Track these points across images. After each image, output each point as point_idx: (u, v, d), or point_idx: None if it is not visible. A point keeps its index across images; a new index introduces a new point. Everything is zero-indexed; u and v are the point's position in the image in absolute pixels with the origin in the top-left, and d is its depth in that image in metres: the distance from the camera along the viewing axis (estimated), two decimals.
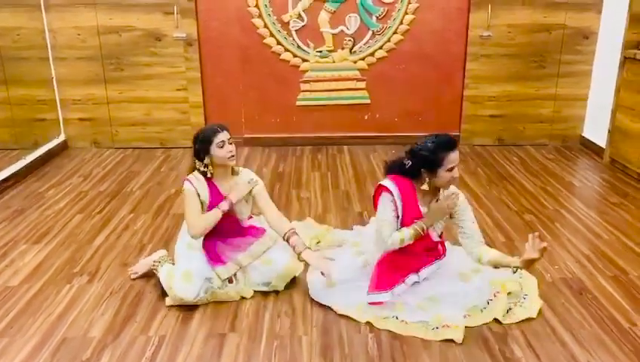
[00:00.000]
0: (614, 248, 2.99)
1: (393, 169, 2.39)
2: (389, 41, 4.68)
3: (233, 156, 2.44)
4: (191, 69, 4.65)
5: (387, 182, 2.34)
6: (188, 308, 2.41)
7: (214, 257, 2.50)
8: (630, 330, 2.28)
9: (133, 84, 4.71)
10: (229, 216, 2.49)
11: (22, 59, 4.46)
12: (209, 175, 2.46)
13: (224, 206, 2.43)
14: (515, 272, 2.28)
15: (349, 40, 4.67)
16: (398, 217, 2.32)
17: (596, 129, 4.64)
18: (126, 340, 2.21)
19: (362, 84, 4.78)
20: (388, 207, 2.31)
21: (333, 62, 4.72)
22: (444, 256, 2.49)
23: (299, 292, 2.53)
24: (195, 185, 2.44)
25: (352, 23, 4.62)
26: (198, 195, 2.44)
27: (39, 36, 4.54)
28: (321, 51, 4.70)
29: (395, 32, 4.65)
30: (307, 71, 4.73)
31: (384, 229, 2.31)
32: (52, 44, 4.60)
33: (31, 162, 4.26)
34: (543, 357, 2.11)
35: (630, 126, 4.08)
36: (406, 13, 4.59)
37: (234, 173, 2.55)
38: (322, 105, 4.80)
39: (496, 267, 2.32)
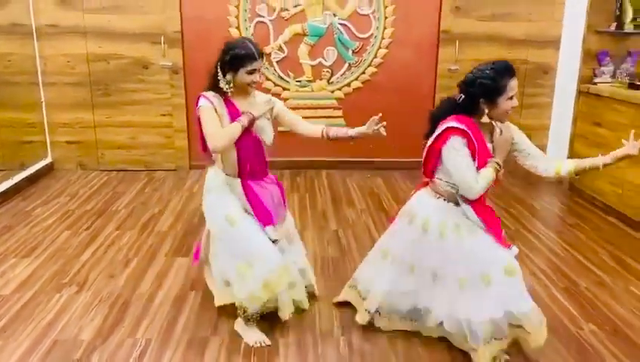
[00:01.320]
0: (568, 263, 3.25)
1: (446, 110, 2.24)
2: (364, 73, 4.98)
3: (255, 84, 2.37)
4: (176, 95, 4.88)
5: (455, 123, 2.15)
6: (173, 314, 2.59)
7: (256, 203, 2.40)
8: (577, 333, 2.52)
9: (120, 109, 4.91)
10: (252, 136, 2.39)
11: (13, 83, 4.64)
12: (229, 93, 2.35)
13: (244, 120, 2.30)
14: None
15: (327, 71, 4.96)
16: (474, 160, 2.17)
17: (557, 157, 4.97)
18: (114, 342, 2.37)
19: (339, 113, 5.06)
20: (462, 150, 2.14)
21: (312, 91, 5.00)
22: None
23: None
24: (212, 100, 2.33)
25: (330, 55, 4.92)
26: (215, 111, 2.32)
27: (30, 62, 4.73)
28: (300, 81, 4.97)
29: (369, 65, 4.97)
30: (287, 99, 4.99)
31: (468, 174, 2.13)
32: (42, 70, 4.79)
33: (17, 183, 4.39)
34: None
35: (585, 153, 4.39)
36: (380, 47, 4.92)
37: (250, 93, 2.44)
38: None
39: (577, 174, 2.26)
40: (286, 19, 4.81)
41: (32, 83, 4.77)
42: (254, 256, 2.32)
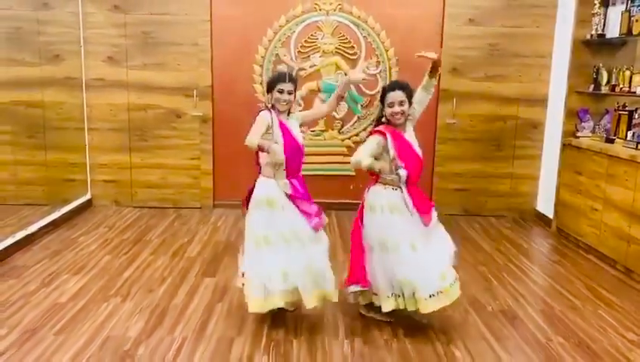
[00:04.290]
0: (547, 291, 3.70)
1: (376, 124, 3.11)
2: (371, 124, 5.56)
3: (285, 104, 2.97)
4: (204, 141, 5.50)
5: (378, 128, 3.03)
6: (204, 319, 3.08)
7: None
8: (546, 344, 2.96)
9: (153, 153, 5.53)
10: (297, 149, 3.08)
11: (62, 128, 5.30)
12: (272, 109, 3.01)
13: (266, 145, 2.94)
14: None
15: (338, 122, 5.58)
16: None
17: (547, 203, 5.45)
18: (156, 339, 2.86)
19: (348, 159, 5.62)
20: (370, 141, 2.99)
21: (325, 140, 5.60)
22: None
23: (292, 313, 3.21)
24: (272, 116, 2.97)
25: (341, 109, 5.54)
26: (269, 126, 2.95)
27: (78, 110, 5.41)
28: (314, 131, 5.58)
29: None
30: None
31: (362, 149, 2.99)
32: (88, 116, 5.45)
33: (62, 215, 4.97)
34: (477, 358, 2.77)
35: (569, 200, 4.90)
36: None
37: (283, 112, 3.03)
38: (314, 175, 5.59)
39: (431, 77, 3.15)
40: (303, 77, 5.47)
41: (78, 128, 5.43)
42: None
